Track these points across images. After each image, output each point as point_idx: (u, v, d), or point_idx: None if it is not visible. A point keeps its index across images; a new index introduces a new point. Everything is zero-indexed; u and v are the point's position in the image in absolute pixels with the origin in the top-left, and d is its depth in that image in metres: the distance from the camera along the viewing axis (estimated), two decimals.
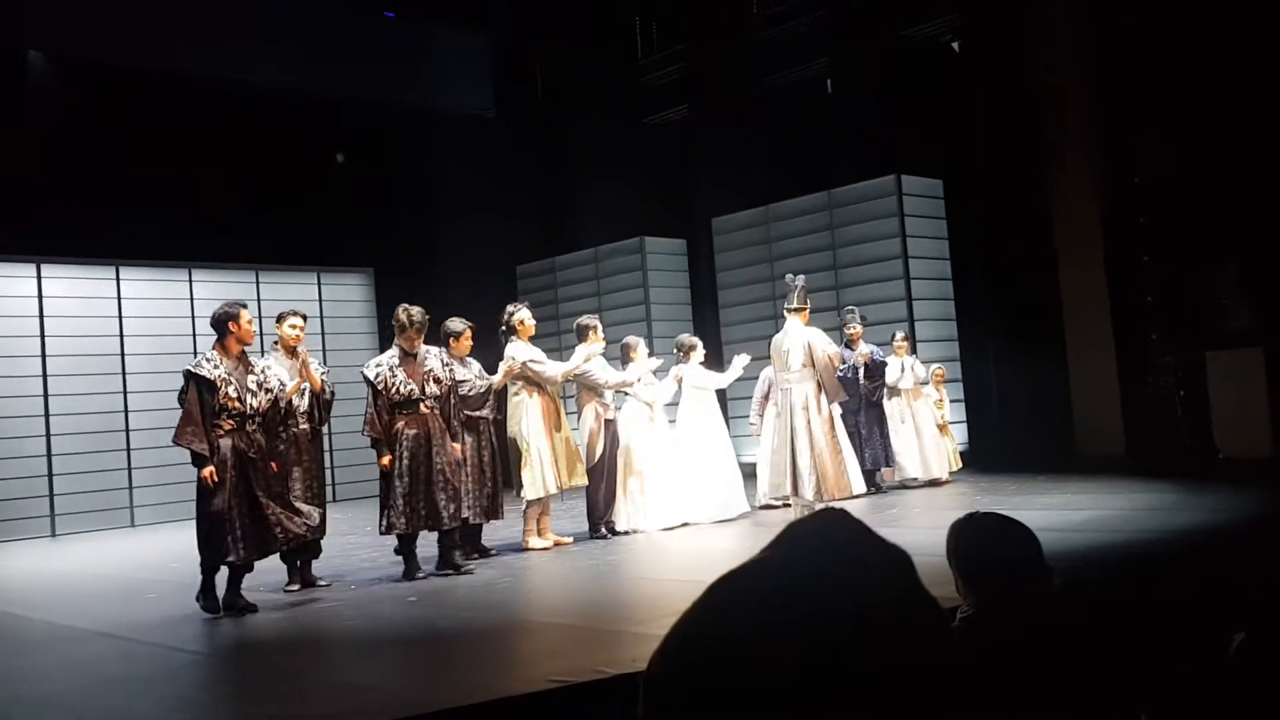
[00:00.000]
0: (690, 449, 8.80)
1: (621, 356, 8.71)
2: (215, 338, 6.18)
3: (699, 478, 8.71)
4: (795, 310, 8.18)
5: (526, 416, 7.90)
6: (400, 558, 7.03)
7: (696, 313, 14.13)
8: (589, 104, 15.27)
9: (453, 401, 7.17)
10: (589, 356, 8.29)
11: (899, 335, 10.28)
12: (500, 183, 14.91)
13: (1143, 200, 10.87)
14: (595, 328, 8.49)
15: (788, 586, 0.92)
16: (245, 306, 6.28)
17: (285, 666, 4.84)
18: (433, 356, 7.13)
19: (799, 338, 8.04)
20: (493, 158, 14.96)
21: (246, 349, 6.26)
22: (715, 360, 9.47)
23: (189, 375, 6.02)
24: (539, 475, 7.86)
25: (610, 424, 8.46)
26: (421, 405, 6.96)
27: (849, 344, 10.06)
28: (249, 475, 6.04)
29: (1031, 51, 11.59)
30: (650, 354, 8.93)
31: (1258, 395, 10.00)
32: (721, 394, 9.53)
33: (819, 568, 0.93)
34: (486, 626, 5.19)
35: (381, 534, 7.02)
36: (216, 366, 6.04)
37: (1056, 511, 7.89)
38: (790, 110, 13.58)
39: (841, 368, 9.65)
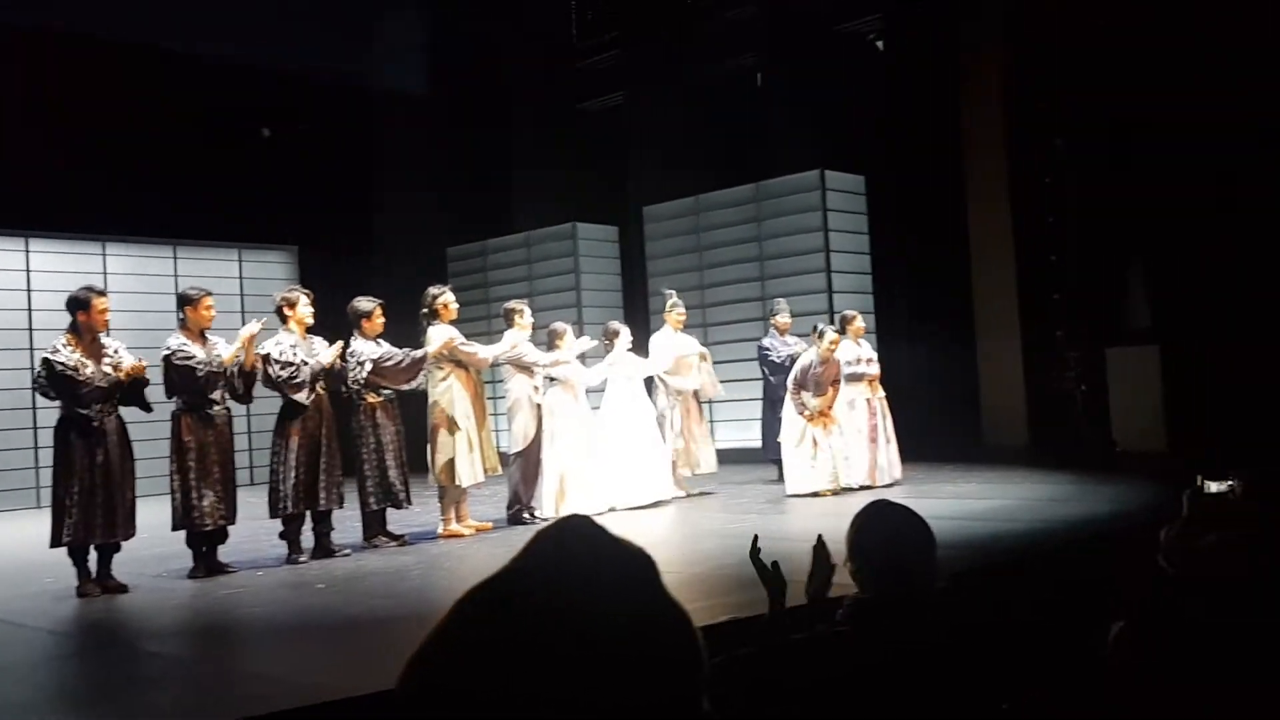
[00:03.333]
0: (616, 434, 8.82)
1: (548, 342, 8.71)
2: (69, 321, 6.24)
3: (625, 463, 8.74)
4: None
5: (456, 400, 7.86)
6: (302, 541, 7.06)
7: (627, 300, 14.15)
8: (526, 86, 15.16)
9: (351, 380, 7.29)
10: (517, 342, 8.29)
11: (829, 331, 10.37)
12: (433, 163, 14.74)
13: (1052, 200, 11.15)
14: (522, 312, 8.47)
15: (532, 597, 0.92)
16: (103, 294, 6.34)
17: (181, 655, 4.73)
18: (317, 343, 7.20)
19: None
20: (426, 137, 14.77)
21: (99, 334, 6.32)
22: (643, 348, 9.50)
23: (46, 362, 6.09)
24: (468, 461, 7.81)
25: (537, 408, 8.45)
26: (316, 388, 6.98)
27: (778, 333, 10.19)
28: (107, 457, 6.11)
29: (951, 53, 11.79)
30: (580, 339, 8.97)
31: (1153, 391, 10.35)
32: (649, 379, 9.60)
33: (562, 576, 0.93)
34: (397, 614, 5.10)
35: (271, 517, 7.02)
36: (74, 352, 6.11)
37: (960, 500, 8.07)
38: (723, 102, 13.64)
39: (779, 358, 9.83)
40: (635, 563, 0.97)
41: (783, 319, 10.23)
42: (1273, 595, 2.25)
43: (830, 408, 9.04)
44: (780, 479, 9.31)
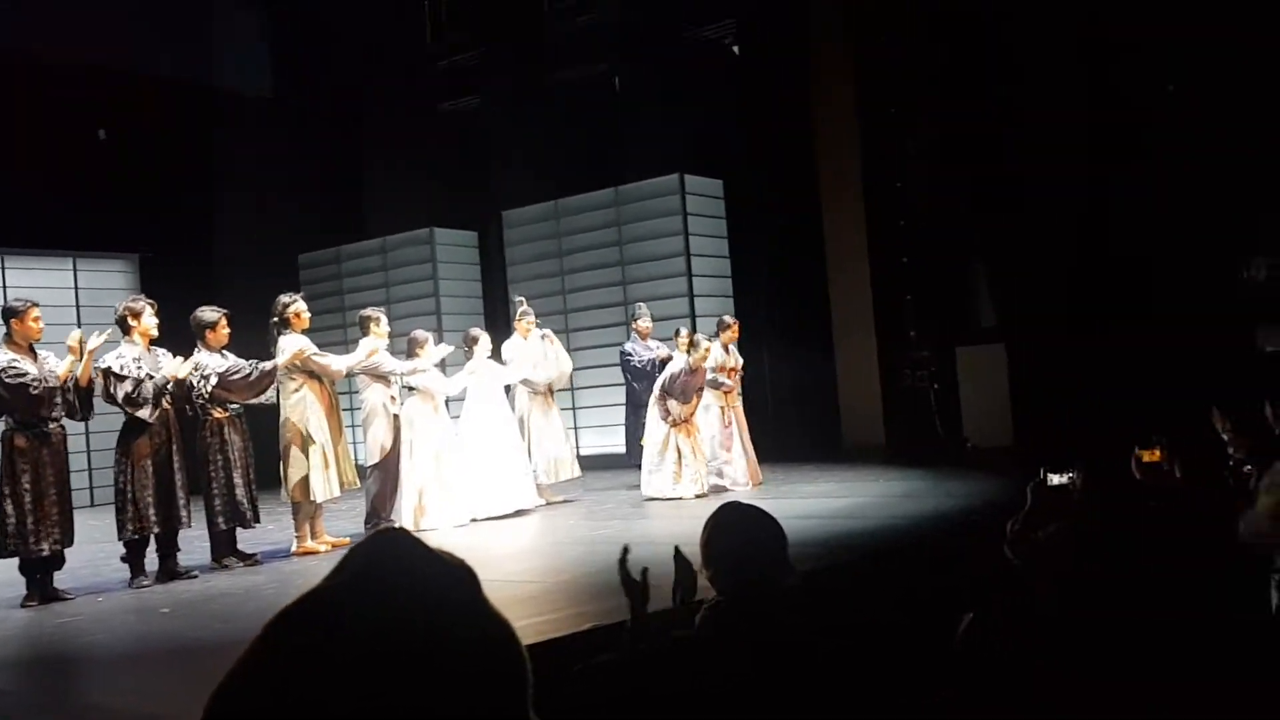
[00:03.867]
0: (476, 443, 8.74)
1: (407, 350, 8.56)
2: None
3: (486, 473, 8.66)
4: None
5: (310, 412, 7.66)
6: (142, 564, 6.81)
7: (487, 307, 14.03)
8: (379, 87, 14.89)
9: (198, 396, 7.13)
10: (373, 351, 8.13)
11: (684, 333, 10.48)
12: (282, 166, 14.30)
13: (902, 203, 11.52)
14: (378, 319, 8.32)
15: (342, 616, 0.89)
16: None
17: (12, 689, 4.47)
18: (162, 356, 6.98)
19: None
20: (274, 138, 14.31)
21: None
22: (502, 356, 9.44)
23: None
24: (322, 476, 7.63)
25: (395, 419, 8.30)
26: (162, 404, 6.74)
27: (640, 337, 10.25)
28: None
29: (803, 57, 12.08)
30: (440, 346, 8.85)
31: (1001, 388, 10.79)
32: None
33: (375, 593, 0.90)
34: (245, 637, 4.80)
35: (120, 539, 6.75)
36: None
37: (817, 499, 8.26)
38: (581, 106, 13.65)
39: (640, 363, 9.89)
40: (453, 576, 0.94)
41: (644, 323, 10.30)
42: (1108, 585, 2.34)
43: (693, 415, 9.17)
44: None
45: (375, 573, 0.93)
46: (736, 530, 2.55)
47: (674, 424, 8.97)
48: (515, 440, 9.02)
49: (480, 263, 14.36)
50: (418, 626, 0.88)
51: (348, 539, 7.92)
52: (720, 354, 9.54)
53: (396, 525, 0.95)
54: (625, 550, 2.54)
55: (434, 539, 1.13)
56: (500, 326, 12.67)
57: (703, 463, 9.07)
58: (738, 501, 2.64)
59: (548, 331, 9.60)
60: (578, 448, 12.54)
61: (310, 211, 14.57)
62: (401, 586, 0.91)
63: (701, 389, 9.21)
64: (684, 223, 12.44)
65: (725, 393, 9.56)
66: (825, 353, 11.99)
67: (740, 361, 9.81)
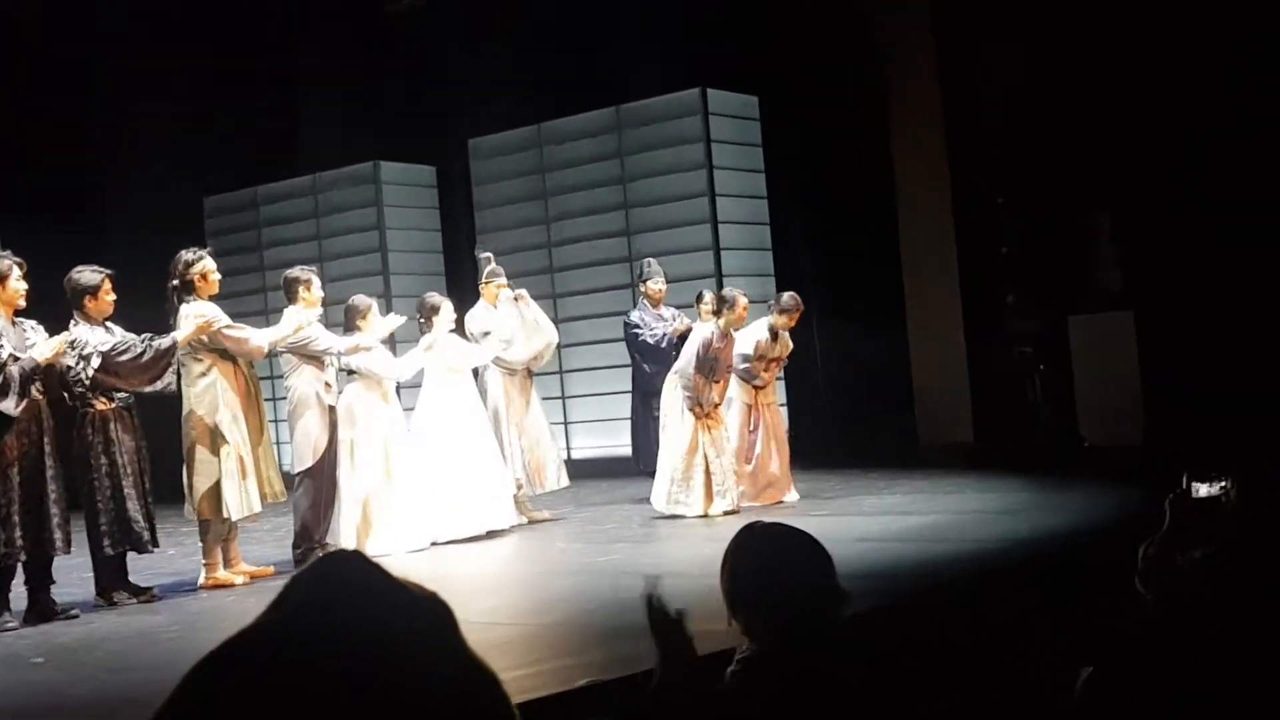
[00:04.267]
0: (438, 443, 8.76)
1: (345, 322, 8.57)
2: None
3: (450, 482, 8.69)
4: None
5: (221, 404, 7.66)
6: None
7: (450, 265, 14.10)
8: None
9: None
10: (303, 324, 8.13)
11: (709, 296, 10.48)
12: (181, 86, 14.27)
13: (996, 129, 11.46)
14: (309, 282, 8.32)
15: (282, 662, 0.90)
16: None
17: None
18: (31, 331, 6.98)
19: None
20: (169, 51, 14.27)
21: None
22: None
23: None
24: (238, 486, 7.64)
25: (331, 411, 8.32)
26: (31, 392, 6.77)
27: (650, 304, 10.24)
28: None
29: None
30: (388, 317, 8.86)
31: (1128, 370, 10.75)
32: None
33: (323, 634, 0.91)
34: (141, 693, 4.86)
35: None
36: None
37: (883, 518, 8.30)
38: (571, 6, 13.59)
39: (650, 334, 9.90)
40: (424, 612, 0.95)
41: (655, 285, 10.29)
42: (1270, 628, 2.34)
43: (723, 399, 9.22)
44: None
45: (325, 607, 0.94)
46: (762, 560, 2.55)
47: (703, 415, 8.98)
48: (487, 441, 9.04)
49: (439, 207, 14.40)
50: (380, 674, 0.89)
51: (271, 568, 7.96)
52: (761, 337, 9.54)
53: (341, 548, 0.95)
54: (655, 583, 2.51)
55: (388, 566, 1.14)
56: (467, 290, 12.68)
57: (731, 468, 9.10)
58: (763, 523, 2.63)
59: (521, 292, 9.60)
60: (568, 449, 12.58)
61: (221, 143, 14.52)
62: (359, 625, 0.92)
63: (730, 367, 9.23)
64: (707, 152, 12.44)
65: (756, 388, 9.58)
66: (893, 324, 12.01)
67: (790, 349, 9.84)
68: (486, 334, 9.33)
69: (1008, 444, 10.92)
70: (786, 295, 9.72)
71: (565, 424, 12.84)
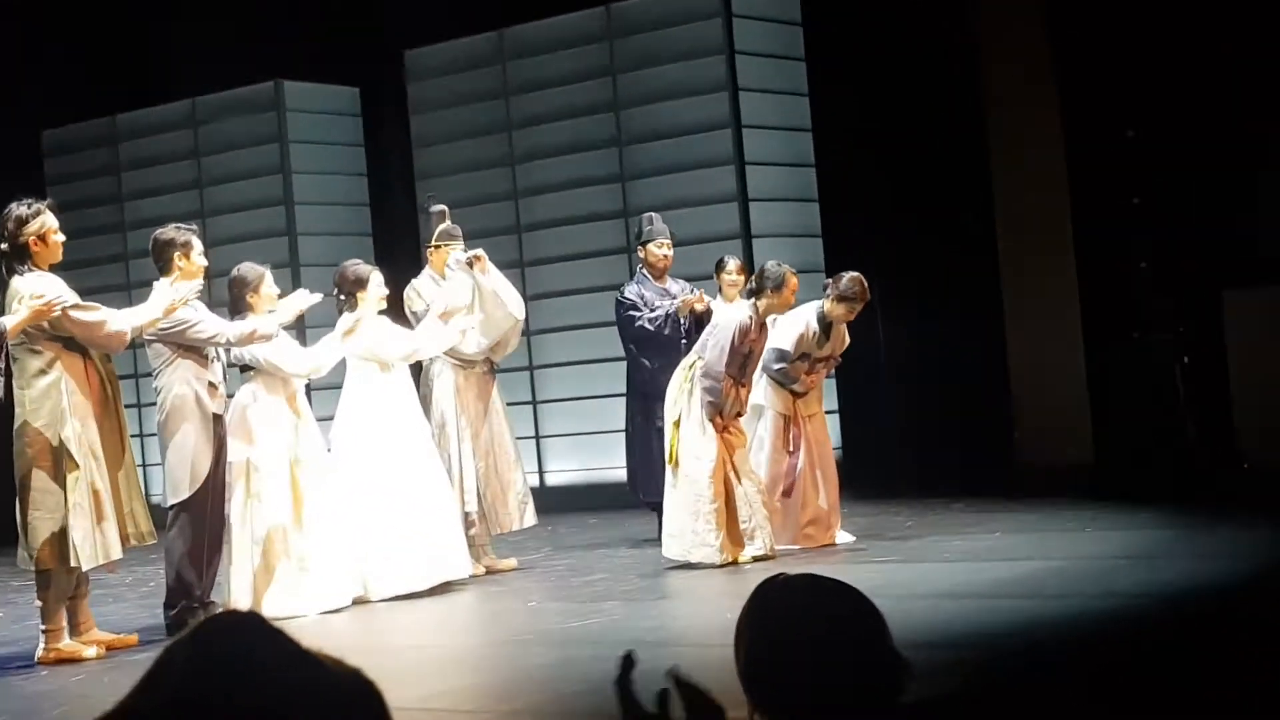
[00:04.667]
0: (366, 464, 8.77)
1: (232, 299, 8.55)
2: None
3: (387, 518, 8.69)
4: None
5: (67, 413, 7.66)
6: None
7: (380, 221, 14.13)
8: None
9: None
10: (179, 302, 8.12)
11: (733, 263, 10.47)
12: None
13: (1117, 56, 11.46)
14: (188, 245, 8.33)
15: None
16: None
17: None
18: None
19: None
20: None
21: None
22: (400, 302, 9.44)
23: None
24: (89, 525, 7.64)
25: (218, 422, 8.32)
26: None
27: (652, 275, 10.22)
28: None
29: None
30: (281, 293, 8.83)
31: None
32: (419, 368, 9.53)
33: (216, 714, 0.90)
34: None
35: None
36: None
37: (971, 565, 8.28)
38: None
39: (650, 317, 9.89)
40: (342, 697, 0.95)
41: (659, 249, 10.27)
42: None
43: (745, 411, 9.21)
44: (659, 536, 9.38)
45: (210, 690, 0.93)
46: (792, 625, 2.52)
47: (723, 427, 8.96)
48: (430, 460, 9.05)
49: (365, 143, 14.41)
50: None
51: (135, 636, 7.92)
52: (806, 330, 9.49)
53: (232, 608, 0.96)
54: (628, 660, 2.49)
55: (297, 634, 1.11)
56: (403, 256, 12.69)
57: (761, 499, 9.10)
58: (789, 575, 2.60)
59: (478, 253, 9.58)
60: (540, 474, 12.56)
61: (66, 56, 14.53)
62: (251, 711, 0.90)
63: (757, 365, 9.23)
64: (729, 67, 12.43)
65: (795, 394, 9.56)
66: (984, 304, 12.03)
67: (845, 345, 9.79)
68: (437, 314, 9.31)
69: (1140, 465, 10.89)
70: (848, 277, 9.43)
71: (536, 439, 12.83)
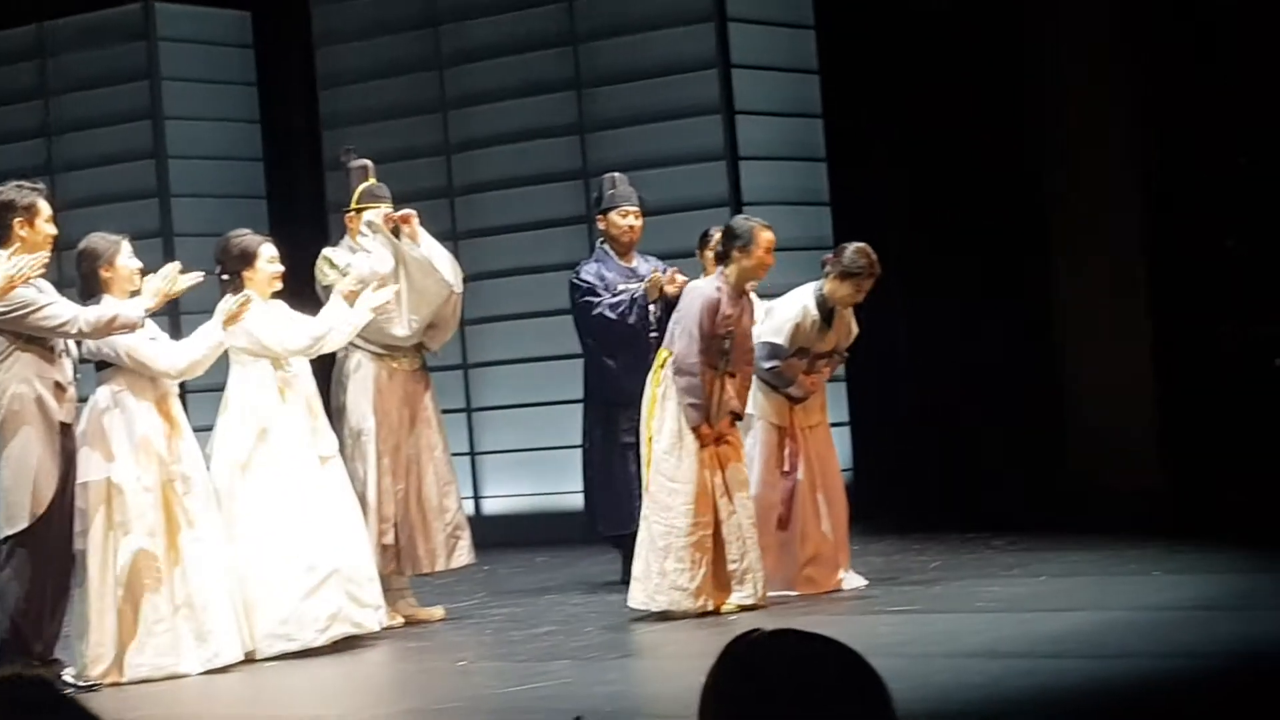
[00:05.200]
0: (256, 489, 8.79)
1: (81, 280, 8.56)
2: None
3: (281, 555, 8.72)
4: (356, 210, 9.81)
5: None
6: None
7: (276, 172, 14.17)
8: None
9: None
10: (18, 279, 8.10)
11: (718, 238, 10.48)
12: None
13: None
14: (33, 209, 8.31)
15: None
16: None
17: None
18: None
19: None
20: None
21: None
22: (305, 286, 9.44)
23: None
24: None
25: (66, 433, 8.30)
26: None
27: (615, 251, 10.21)
28: None
29: None
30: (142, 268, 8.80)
31: None
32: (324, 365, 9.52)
33: None
34: None
35: None
36: None
37: (1014, 616, 8.32)
38: None
39: (612, 303, 9.89)
40: None
41: (622, 219, 10.25)
42: None
43: (742, 411, 9.25)
44: (624, 578, 9.44)
45: None
46: (766, 695, 2.55)
47: (712, 438, 8.92)
48: (338, 480, 9.09)
49: (258, 83, 14.41)
50: None
51: None
52: (802, 316, 9.51)
53: (56, 672, 0.96)
54: None
55: (155, 700, 1.14)
56: (304, 223, 12.70)
57: (754, 534, 9.07)
58: (765, 633, 2.61)
59: (407, 212, 9.56)
60: (475, 499, 12.55)
61: None
62: None
63: (750, 354, 9.21)
64: (719, 15, 12.50)
65: (793, 400, 9.56)
66: (1032, 291, 12.09)
67: (853, 337, 9.81)
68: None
69: (1221, 493, 10.93)
70: (853, 249, 9.51)
71: (471, 455, 12.84)
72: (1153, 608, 8.29)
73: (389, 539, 9.46)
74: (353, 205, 9.73)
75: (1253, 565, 9.12)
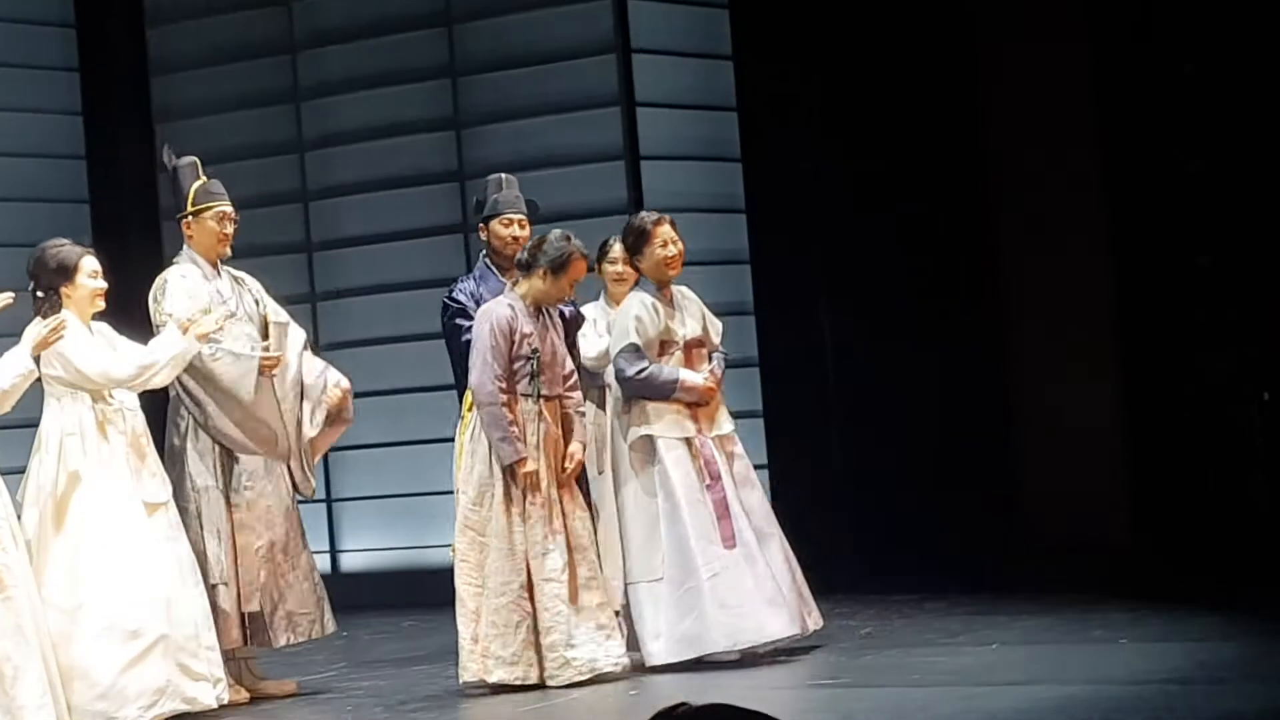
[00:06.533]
0: (74, 540, 8.71)
1: None
2: None
3: (101, 622, 8.64)
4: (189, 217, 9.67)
5: None
6: None
7: (99, 171, 14.05)
8: None
9: None
10: None
11: (619, 248, 10.50)
12: None
13: None
14: None
15: None
16: None
17: None
18: None
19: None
20: None
21: None
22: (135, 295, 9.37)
23: None
24: None
25: None
26: None
27: (497, 265, 10.21)
28: None
29: None
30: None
31: None
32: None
33: None
34: None
35: None
36: None
37: (950, 690, 8.32)
38: None
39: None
40: None
41: (505, 229, 10.21)
42: None
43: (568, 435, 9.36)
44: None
45: None
46: None
47: (535, 483, 9.03)
48: (168, 531, 9.02)
49: (80, 67, 14.31)
50: None
51: None
52: (640, 310, 9.62)
53: None
54: None
55: None
56: (133, 231, 12.64)
57: (604, 589, 9.20)
58: (700, 710, 2.61)
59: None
60: (332, 554, 12.50)
61: None
62: None
63: (573, 375, 9.44)
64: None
65: (693, 406, 9.64)
66: (979, 308, 12.16)
67: (712, 332, 9.93)
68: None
69: (1195, 550, 10.98)
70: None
71: (328, 503, 12.80)
72: (1120, 681, 8.29)
73: (225, 600, 9.38)
74: (189, 209, 9.65)
75: (1230, 631, 9.21)
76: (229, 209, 9.66)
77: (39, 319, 8.72)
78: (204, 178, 9.75)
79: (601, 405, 10.36)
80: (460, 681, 9.13)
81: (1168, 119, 11.68)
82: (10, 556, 8.44)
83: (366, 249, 13.02)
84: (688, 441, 9.59)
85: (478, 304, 10.00)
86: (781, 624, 9.33)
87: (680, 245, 9.54)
